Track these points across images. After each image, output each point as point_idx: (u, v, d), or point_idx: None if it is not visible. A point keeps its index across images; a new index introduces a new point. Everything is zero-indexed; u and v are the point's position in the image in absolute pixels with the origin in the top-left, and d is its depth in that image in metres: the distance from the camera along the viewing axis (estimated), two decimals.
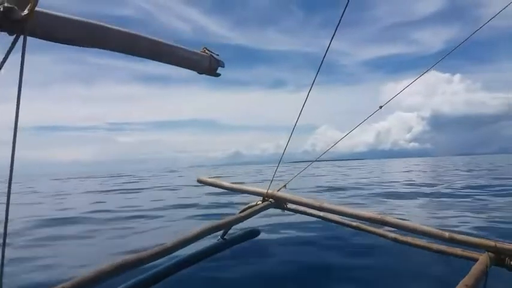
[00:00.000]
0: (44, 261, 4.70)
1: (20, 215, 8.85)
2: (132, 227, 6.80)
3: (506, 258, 2.61)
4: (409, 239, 3.15)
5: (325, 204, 3.33)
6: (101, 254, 5.06)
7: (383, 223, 3.01)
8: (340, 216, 3.40)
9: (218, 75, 1.87)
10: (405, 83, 3.29)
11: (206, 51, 1.79)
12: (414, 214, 7.40)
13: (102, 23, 1.48)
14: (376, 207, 8.16)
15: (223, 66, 1.85)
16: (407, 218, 3.54)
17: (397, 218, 3.05)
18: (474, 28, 3.03)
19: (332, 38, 2.62)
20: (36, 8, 1.19)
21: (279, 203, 3.58)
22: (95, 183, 26.40)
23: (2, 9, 1.07)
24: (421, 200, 9.57)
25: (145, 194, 14.85)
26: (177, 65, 1.73)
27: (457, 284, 2.07)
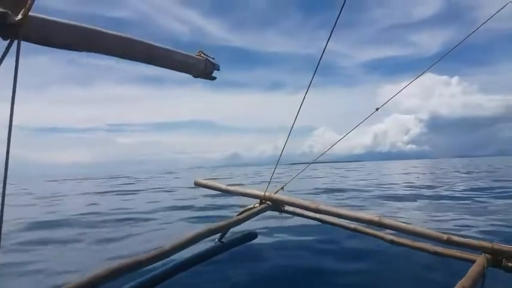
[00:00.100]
0: (27, 267, 4.57)
1: (8, 218, 8.73)
2: (121, 230, 6.66)
3: (503, 260, 2.62)
4: (406, 240, 3.16)
5: (323, 206, 3.32)
6: (85, 259, 4.90)
7: (380, 225, 3.01)
8: (338, 218, 3.40)
9: (214, 78, 1.87)
10: (403, 85, 3.30)
11: (201, 54, 1.79)
12: (415, 217, 7.37)
13: (96, 27, 1.48)
14: (376, 209, 8.13)
15: (219, 70, 1.85)
16: (407, 221, 3.50)
17: (395, 220, 3.06)
18: (470, 30, 3.05)
19: (328, 40, 2.63)
20: (31, 13, 1.19)
21: (277, 205, 3.57)
22: (92, 185, 26.18)
23: None
24: (421, 203, 9.53)
25: (140, 196, 14.70)
26: (172, 69, 1.73)
27: (454, 285, 2.08)
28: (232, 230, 3.63)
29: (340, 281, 3.47)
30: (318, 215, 3.46)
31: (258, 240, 4.52)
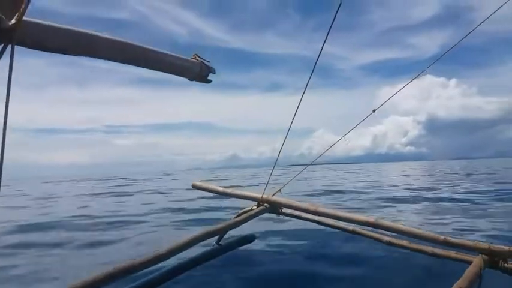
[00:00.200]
0: (8, 271, 4.36)
1: None
2: (111, 233, 6.41)
3: (500, 261, 2.62)
4: (403, 242, 3.16)
5: (320, 209, 3.33)
6: (69, 264, 4.70)
7: (378, 227, 3.02)
8: (336, 220, 3.40)
9: (209, 81, 1.87)
10: (401, 87, 3.31)
11: (197, 57, 1.79)
12: (414, 219, 7.31)
13: (91, 31, 1.48)
14: (375, 211, 8.08)
15: (214, 73, 1.85)
16: (406, 223, 3.47)
17: (392, 222, 3.06)
18: (467, 31, 3.05)
19: (324, 42, 2.63)
20: (25, 17, 1.19)
21: (274, 207, 3.57)
22: (87, 186, 25.84)
23: None
24: (420, 205, 9.47)
25: (135, 198, 14.50)
26: (167, 72, 1.74)
27: (451, 287, 2.08)
28: (230, 232, 3.64)
29: (335, 286, 3.44)
30: (315, 217, 3.46)
31: (254, 245, 4.48)
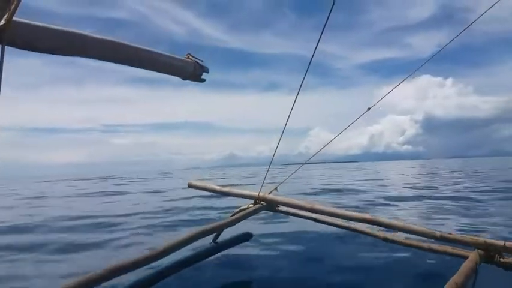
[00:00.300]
0: None
1: None
2: (93, 236, 6.02)
3: (496, 255, 2.63)
4: (400, 238, 3.17)
5: (317, 206, 3.34)
6: (36, 270, 4.34)
7: (374, 223, 3.03)
8: (332, 218, 3.41)
9: (203, 80, 1.87)
10: (399, 86, 3.33)
11: (190, 57, 1.79)
12: (415, 217, 7.26)
13: (83, 32, 1.47)
14: (376, 210, 8.02)
15: (208, 72, 1.85)
16: (407, 221, 3.44)
17: (388, 218, 3.07)
18: (465, 31, 3.07)
19: (318, 41, 2.64)
20: (15, 18, 1.18)
21: (271, 205, 3.58)
22: (82, 186, 25.35)
23: None
24: (421, 203, 9.41)
25: (128, 198, 14.11)
26: (161, 72, 1.73)
27: (447, 282, 2.09)
28: (227, 231, 3.65)
29: None
30: (312, 215, 3.47)
31: (250, 249, 4.44)
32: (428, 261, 3.96)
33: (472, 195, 10.71)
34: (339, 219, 3.37)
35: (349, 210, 3.25)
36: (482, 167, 36.07)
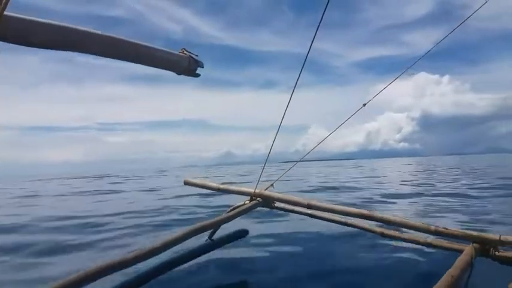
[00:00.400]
0: None
1: None
2: (71, 238, 5.68)
3: (491, 249, 2.65)
4: (395, 233, 3.19)
5: (313, 202, 3.35)
6: (13, 275, 4.04)
7: (370, 218, 3.04)
8: (329, 213, 3.42)
9: (198, 75, 1.86)
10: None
11: (185, 52, 1.78)
12: (414, 214, 7.23)
13: (77, 27, 1.46)
14: (374, 208, 8.00)
15: (203, 67, 1.84)
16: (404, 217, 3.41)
17: (384, 213, 3.08)
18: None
19: (313, 39, 2.65)
20: (6, 12, 1.17)
21: (267, 201, 3.59)
22: (76, 184, 25.01)
23: None
24: (420, 200, 9.40)
25: (120, 196, 13.82)
26: (156, 67, 1.73)
27: (443, 275, 2.10)
28: (223, 227, 3.65)
29: None
30: (308, 211, 3.48)
31: (241, 249, 4.41)
32: (423, 255, 3.97)
33: (470, 192, 10.73)
34: (336, 215, 3.38)
35: (345, 206, 3.26)
36: (479, 164, 36.17)
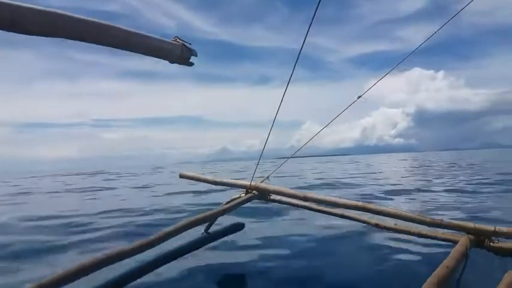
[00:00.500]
0: None
1: None
2: (47, 240, 5.37)
3: (486, 240, 2.67)
4: (390, 224, 3.19)
5: (309, 194, 3.35)
6: None
7: (365, 210, 3.05)
8: (324, 206, 3.42)
9: (191, 64, 1.84)
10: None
11: (177, 40, 1.76)
12: (413, 210, 7.18)
13: (67, 13, 1.43)
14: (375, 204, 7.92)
15: (196, 55, 1.82)
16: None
17: (379, 205, 3.09)
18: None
19: (307, 33, 2.63)
20: None
21: (263, 194, 3.58)
22: (68, 181, 24.57)
23: None
24: (418, 196, 9.38)
25: (109, 194, 13.44)
26: (148, 55, 1.70)
27: (438, 266, 2.10)
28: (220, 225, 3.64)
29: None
30: (304, 203, 3.48)
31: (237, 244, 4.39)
32: (418, 245, 3.98)
33: (467, 187, 10.75)
34: (331, 207, 3.38)
35: (340, 198, 3.27)
36: (475, 159, 36.34)
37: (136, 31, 1.64)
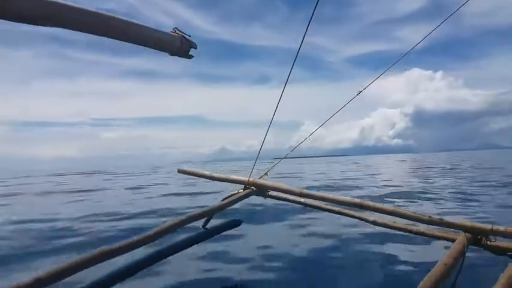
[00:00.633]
0: None
1: None
2: (26, 245, 5.09)
3: (483, 238, 2.67)
4: (388, 221, 3.19)
5: (306, 191, 3.35)
6: None
7: (363, 207, 3.04)
8: (322, 202, 3.42)
9: (191, 56, 1.83)
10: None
11: (177, 31, 1.75)
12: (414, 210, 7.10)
13: (67, 2, 1.42)
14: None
15: (196, 48, 1.81)
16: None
17: (376, 203, 3.09)
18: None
19: (305, 32, 2.62)
20: None
21: (261, 190, 3.58)
22: (62, 181, 24.06)
23: None
24: (419, 197, 9.31)
25: (100, 195, 12.90)
26: (148, 46, 1.69)
27: (436, 263, 2.10)
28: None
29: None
30: (302, 199, 3.48)
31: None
32: (416, 244, 3.98)
33: (467, 188, 10.72)
34: (329, 204, 3.38)
35: (338, 195, 3.27)
36: (474, 160, 36.33)
37: (135, 22, 1.64)
